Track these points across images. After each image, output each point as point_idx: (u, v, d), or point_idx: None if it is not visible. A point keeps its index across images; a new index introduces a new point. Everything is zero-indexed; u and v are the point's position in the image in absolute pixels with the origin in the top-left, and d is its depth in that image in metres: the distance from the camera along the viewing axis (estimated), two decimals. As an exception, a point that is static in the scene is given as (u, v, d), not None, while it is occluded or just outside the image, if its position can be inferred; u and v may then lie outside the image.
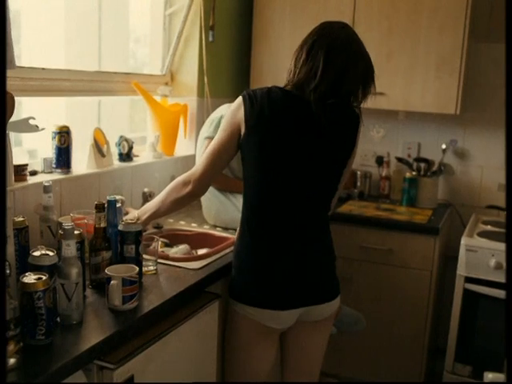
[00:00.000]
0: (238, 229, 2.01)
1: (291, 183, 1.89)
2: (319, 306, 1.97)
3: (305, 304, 1.94)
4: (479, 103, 3.36)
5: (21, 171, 2.04)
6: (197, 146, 2.72)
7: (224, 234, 2.50)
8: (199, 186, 1.95)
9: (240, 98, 1.90)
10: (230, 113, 1.91)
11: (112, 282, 1.63)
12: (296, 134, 1.86)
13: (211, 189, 2.60)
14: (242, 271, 1.94)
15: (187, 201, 2.02)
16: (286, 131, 1.86)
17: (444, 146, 3.45)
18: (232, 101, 2.75)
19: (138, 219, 1.92)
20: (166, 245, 2.34)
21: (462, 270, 2.91)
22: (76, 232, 1.65)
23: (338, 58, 1.85)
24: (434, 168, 3.44)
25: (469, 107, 3.30)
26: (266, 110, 1.84)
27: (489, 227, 3.11)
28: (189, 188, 1.94)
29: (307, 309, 1.95)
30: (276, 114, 1.86)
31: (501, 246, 2.73)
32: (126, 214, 2.15)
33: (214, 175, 1.98)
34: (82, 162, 2.37)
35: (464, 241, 2.92)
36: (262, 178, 1.88)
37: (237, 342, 2.01)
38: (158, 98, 2.96)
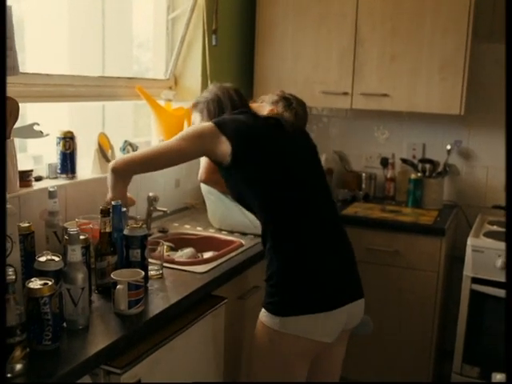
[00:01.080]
0: (268, 248, 1.93)
1: (308, 189, 1.98)
2: (358, 302, 1.96)
3: (352, 299, 1.92)
4: (483, 103, 3.36)
5: (26, 177, 2.04)
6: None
7: (229, 238, 2.50)
8: (118, 167, 1.99)
9: (215, 128, 1.92)
10: (201, 135, 1.94)
11: (118, 286, 1.63)
12: (287, 146, 2.00)
13: (216, 192, 2.60)
14: (290, 284, 1.86)
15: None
16: (281, 146, 1.98)
17: (449, 147, 3.44)
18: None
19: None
20: (172, 249, 2.34)
21: (468, 271, 2.90)
22: (81, 237, 1.66)
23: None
24: (439, 169, 3.43)
25: (473, 108, 3.29)
26: (260, 138, 1.97)
27: (495, 227, 3.10)
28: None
29: (350, 310, 1.92)
30: (269, 138, 1.98)
31: (507, 247, 2.72)
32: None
33: (136, 172, 2.05)
34: (86, 167, 2.37)
35: (470, 241, 2.91)
36: (285, 194, 1.93)
37: (282, 364, 1.91)
38: (161, 103, 2.96)
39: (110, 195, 2.02)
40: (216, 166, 2.03)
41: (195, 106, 2.16)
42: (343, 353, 2.12)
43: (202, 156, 2.03)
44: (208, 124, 1.95)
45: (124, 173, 2.01)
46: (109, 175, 2.01)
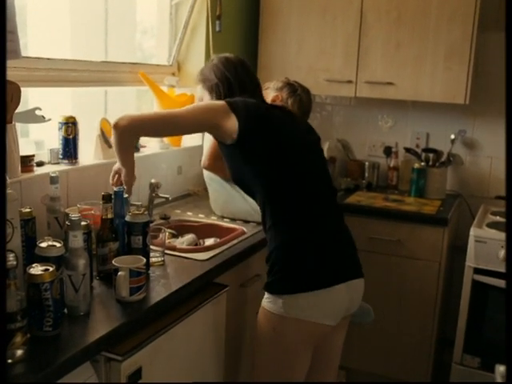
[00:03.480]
0: (268, 227, 1.94)
1: (308, 171, 2.00)
2: (358, 280, 1.96)
3: (351, 276, 1.92)
4: (488, 93, 3.33)
5: (27, 162, 2.03)
6: (204, 136, 2.71)
7: (231, 225, 2.49)
8: (124, 124, 1.85)
9: (226, 106, 1.90)
10: (213, 108, 1.92)
11: (119, 273, 1.63)
12: (292, 131, 2.03)
13: (218, 179, 2.59)
14: (290, 260, 1.86)
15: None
16: (287, 130, 2.01)
17: (453, 137, 3.41)
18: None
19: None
20: (174, 236, 2.34)
21: (470, 261, 2.89)
22: (83, 223, 1.65)
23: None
24: (443, 158, 3.41)
25: (478, 97, 3.27)
26: (268, 119, 1.96)
27: (498, 218, 3.09)
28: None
29: (350, 289, 1.91)
30: (275, 119, 2.00)
31: (510, 237, 2.71)
32: None
33: (142, 133, 1.99)
34: (88, 152, 2.36)
35: (473, 232, 2.90)
36: (286, 174, 1.93)
37: (286, 353, 1.90)
38: (164, 89, 2.94)
39: (117, 164, 1.97)
40: (219, 144, 1.99)
41: (203, 82, 2.12)
42: (342, 341, 2.11)
43: (209, 129, 1.96)
44: (220, 101, 1.94)
45: (129, 132, 1.89)
46: (113, 134, 1.89)
